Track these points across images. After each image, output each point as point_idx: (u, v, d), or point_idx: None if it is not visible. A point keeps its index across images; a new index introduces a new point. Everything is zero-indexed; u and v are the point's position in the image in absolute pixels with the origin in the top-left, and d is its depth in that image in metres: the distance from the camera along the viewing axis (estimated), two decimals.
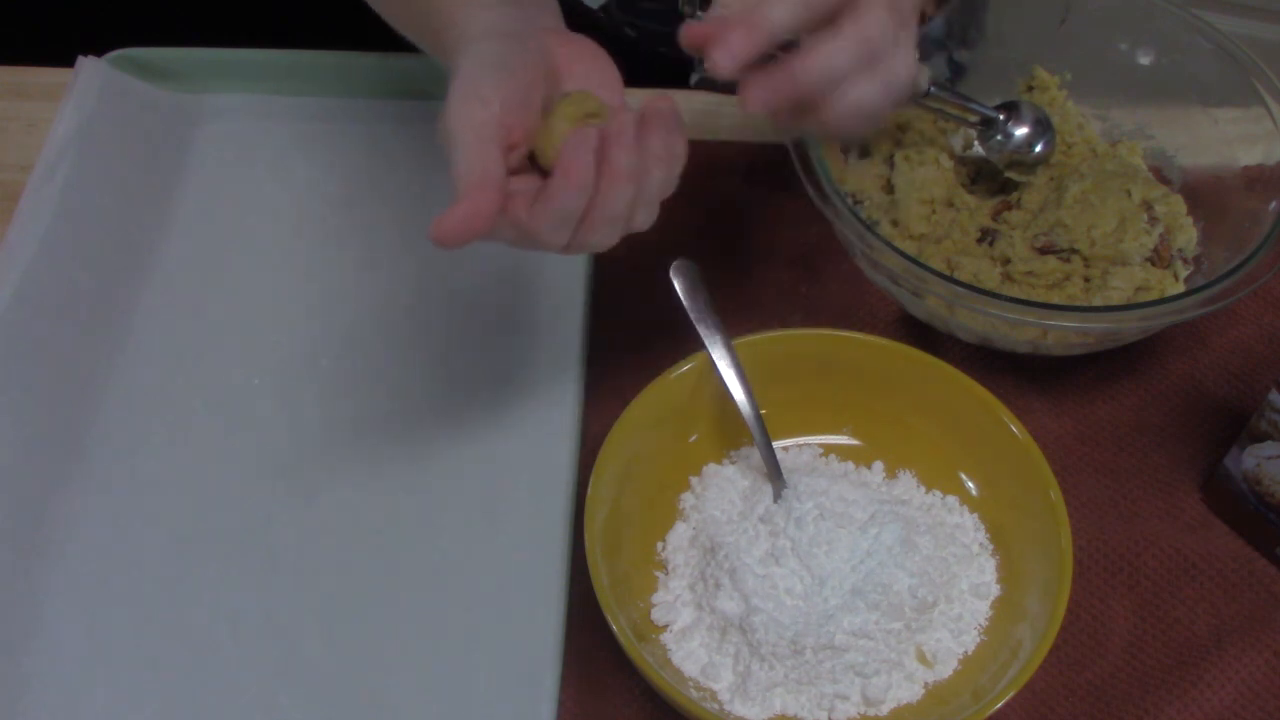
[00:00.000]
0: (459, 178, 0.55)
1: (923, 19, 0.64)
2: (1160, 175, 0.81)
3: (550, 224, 0.56)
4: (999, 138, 0.78)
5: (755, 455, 0.69)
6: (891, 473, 0.70)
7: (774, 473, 0.67)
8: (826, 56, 0.56)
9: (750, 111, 0.57)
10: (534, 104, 0.58)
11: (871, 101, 0.58)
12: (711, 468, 0.70)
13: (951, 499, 0.69)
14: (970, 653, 0.64)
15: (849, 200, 0.73)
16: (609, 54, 0.62)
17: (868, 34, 0.56)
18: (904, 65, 0.58)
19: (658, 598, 0.66)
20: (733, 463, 0.71)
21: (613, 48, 0.62)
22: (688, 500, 0.69)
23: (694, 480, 0.70)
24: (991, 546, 0.68)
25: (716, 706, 0.62)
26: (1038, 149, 0.78)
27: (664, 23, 0.89)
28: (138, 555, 0.68)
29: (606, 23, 0.91)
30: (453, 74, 0.57)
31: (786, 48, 0.56)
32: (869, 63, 0.57)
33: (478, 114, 0.55)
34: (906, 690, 0.63)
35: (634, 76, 0.79)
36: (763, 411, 0.68)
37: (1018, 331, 0.71)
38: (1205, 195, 0.79)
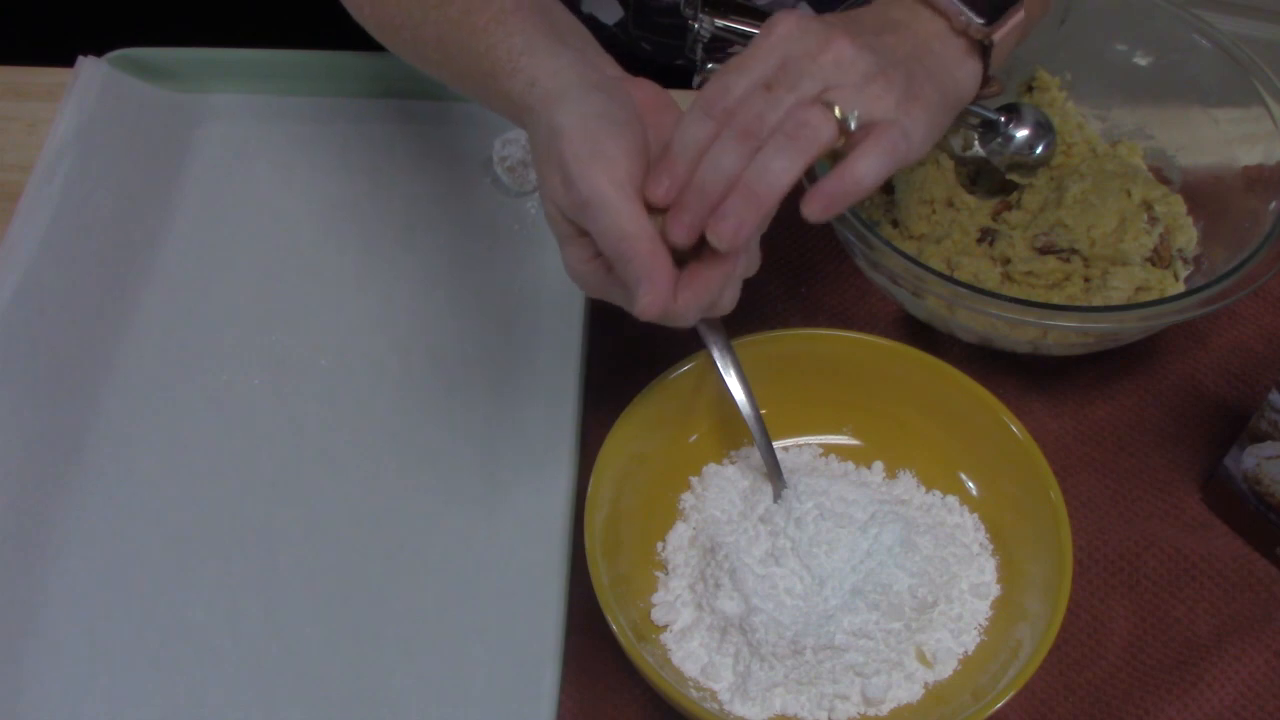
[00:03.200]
0: (621, 240, 0.53)
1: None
2: (1160, 175, 0.81)
3: (698, 305, 0.55)
4: (999, 140, 0.78)
5: (755, 455, 0.69)
6: (891, 473, 0.70)
7: (774, 473, 0.67)
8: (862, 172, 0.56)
9: (810, 219, 0.57)
10: (647, 158, 0.56)
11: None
12: (712, 468, 0.70)
13: (951, 499, 0.69)
14: (970, 653, 0.64)
15: None
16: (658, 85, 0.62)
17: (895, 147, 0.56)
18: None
19: (658, 598, 0.66)
20: (733, 463, 0.71)
21: (627, 62, 0.62)
22: (688, 500, 0.69)
23: (694, 480, 0.70)
24: (991, 546, 0.68)
25: (716, 706, 0.62)
26: (1038, 151, 0.78)
27: (679, 36, 0.89)
28: (137, 555, 0.68)
29: (622, 38, 0.91)
30: (543, 128, 0.56)
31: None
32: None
33: (613, 172, 0.54)
34: (906, 690, 0.63)
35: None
36: (763, 411, 0.68)
37: (1018, 331, 0.71)
38: (1205, 195, 0.79)
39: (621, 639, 0.59)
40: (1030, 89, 0.82)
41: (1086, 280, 0.75)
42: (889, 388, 0.70)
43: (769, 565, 0.64)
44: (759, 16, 0.72)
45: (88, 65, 0.83)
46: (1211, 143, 0.78)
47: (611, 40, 0.92)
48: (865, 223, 0.70)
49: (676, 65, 0.91)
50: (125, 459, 0.72)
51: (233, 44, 0.88)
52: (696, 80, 0.70)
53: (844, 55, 0.56)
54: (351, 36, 0.76)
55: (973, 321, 0.71)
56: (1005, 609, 0.65)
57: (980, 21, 0.61)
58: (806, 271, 0.81)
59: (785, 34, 0.56)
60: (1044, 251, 0.75)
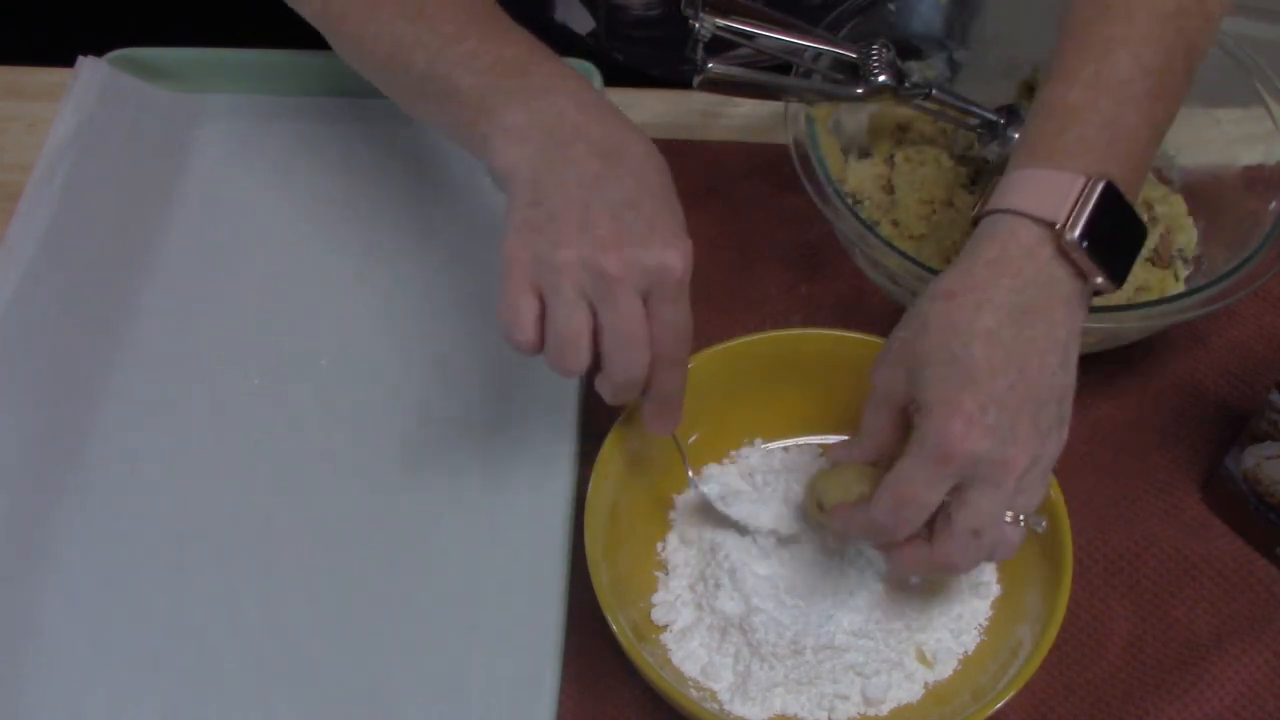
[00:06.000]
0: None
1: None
2: (1160, 175, 0.81)
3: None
4: (999, 141, 0.78)
5: (755, 455, 0.69)
6: None
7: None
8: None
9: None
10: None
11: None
12: (712, 468, 0.70)
13: None
14: (970, 653, 0.64)
15: (849, 200, 0.73)
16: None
17: (976, 524, 0.56)
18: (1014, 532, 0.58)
19: (658, 598, 0.66)
20: (733, 462, 0.71)
21: (601, 71, 0.62)
22: (689, 503, 0.69)
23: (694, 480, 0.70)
24: None
25: (716, 706, 0.62)
26: None
27: (653, 47, 0.89)
28: (137, 555, 0.68)
29: (595, 48, 0.91)
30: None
31: None
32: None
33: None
34: (906, 690, 0.63)
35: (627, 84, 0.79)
36: (762, 412, 0.68)
37: None
38: (1205, 195, 0.79)
39: (621, 639, 0.59)
40: (1030, 88, 0.82)
41: None
42: None
43: (770, 565, 0.64)
44: (759, 16, 0.72)
45: (88, 65, 0.83)
46: (1211, 143, 0.78)
47: (584, 50, 0.92)
48: (865, 223, 0.70)
49: (651, 75, 0.91)
50: (125, 459, 0.72)
51: (233, 44, 0.88)
52: (697, 80, 0.70)
53: (1019, 470, 0.55)
54: None
55: None
56: (1005, 609, 0.65)
57: (1113, 285, 0.58)
58: (806, 271, 0.81)
59: (964, 457, 0.54)
60: None
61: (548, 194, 0.58)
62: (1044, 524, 0.59)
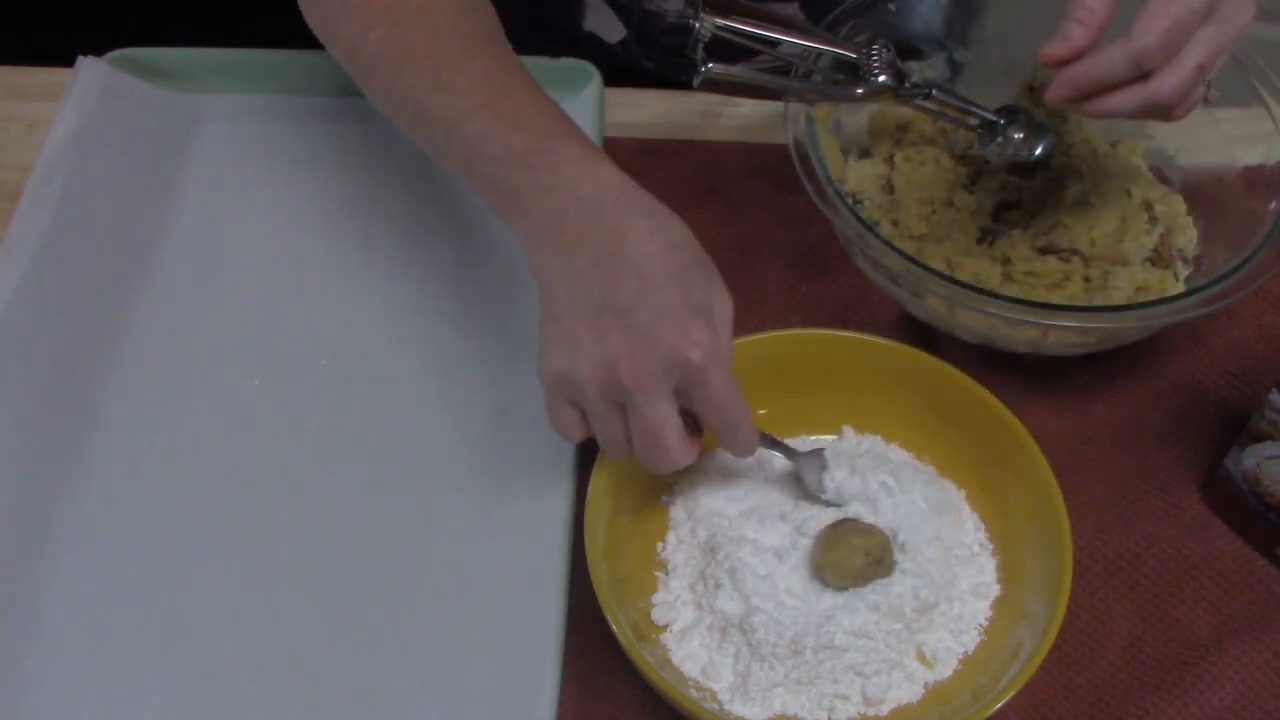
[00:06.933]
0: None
1: None
2: (1160, 175, 0.81)
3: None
4: (999, 141, 0.78)
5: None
6: None
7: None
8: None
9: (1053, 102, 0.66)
10: None
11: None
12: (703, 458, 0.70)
13: (952, 498, 0.69)
14: (970, 653, 0.64)
15: (849, 200, 0.73)
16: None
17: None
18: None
19: (658, 598, 0.66)
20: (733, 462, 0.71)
21: (629, 80, 0.62)
22: (687, 500, 0.69)
23: (694, 479, 0.70)
24: (991, 546, 0.68)
25: (716, 706, 0.62)
26: (1037, 152, 0.78)
27: (680, 54, 0.89)
28: (138, 555, 0.68)
29: (624, 57, 0.92)
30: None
31: None
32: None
33: None
34: (906, 690, 0.63)
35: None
36: (761, 411, 0.68)
37: (1018, 331, 0.71)
38: (1205, 195, 0.79)
39: (621, 639, 0.59)
40: (1030, 88, 0.82)
41: (1086, 280, 0.75)
42: (889, 388, 0.70)
43: (771, 564, 0.64)
44: (760, 16, 0.72)
45: (88, 65, 0.83)
46: (1211, 143, 0.78)
47: (613, 58, 0.92)
48: (865, 223, 0.70)
49: (680, 82, 0.91)
50: (125, 459, 0.72)
51: (233, 44, 0.88)
52: (696, 80, 0.70)
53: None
54: None
55: (973, 321, 0.71)
56: (1005, 609, 0.65)
57: None
58: (806, 271, 0.81)
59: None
60: (1044, 251, 0.76)
61: (562, 309, 0.60)
62: (1215, 92, 0.66)
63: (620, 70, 0.81)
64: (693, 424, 0.61)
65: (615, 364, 0.58)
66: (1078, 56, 0.64)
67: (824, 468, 0.67)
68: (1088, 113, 0.65)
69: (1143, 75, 0.63)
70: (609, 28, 0.92)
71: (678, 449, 0.60)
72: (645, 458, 0.61)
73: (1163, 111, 0.64)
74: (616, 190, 0.61)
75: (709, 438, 0.62)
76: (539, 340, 0.61)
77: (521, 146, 0.63)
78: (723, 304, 0.61)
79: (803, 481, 0.68)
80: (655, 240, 0.60)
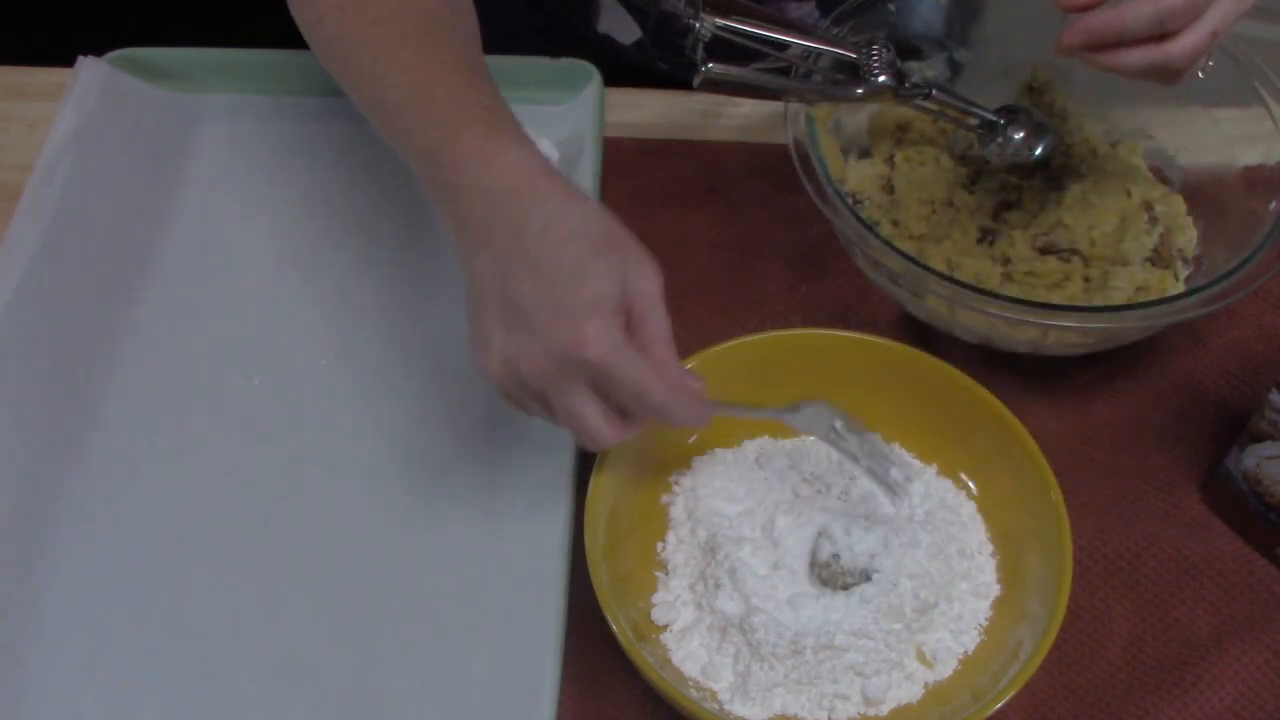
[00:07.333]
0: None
1: None
2: (1160, 175, 0.81)
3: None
4: (999, 140, 0.78)
5: (752, 452, 0.69)
6: None
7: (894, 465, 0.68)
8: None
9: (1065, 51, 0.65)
10: None
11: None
12: (704, 457, 0.70)
13: (952, 498, 0.69)
14: (970, 653, 0.64)
15: (849, 200, 0.73)
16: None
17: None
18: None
19: (658, 598, 0.66)
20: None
21: (643, 81, 0.62)
22: (687, 499, 0.69)
23: (694, 479, 0.70)
24: (991, 547, 0.68)
25: (716, 706, 0.62)
26: (1037, 152, 0.78)
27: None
28: (138, 555, 0.68)
29: (639, 59, 0.91)
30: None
31: None
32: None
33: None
34: (906, 690, 0.63)
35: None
36: None
37: (1018, 331, 0.71)
38: (1205, 195, 0.79)
39: (621, 639, 0.59)
40: (1030, 88, 0.82)
41: (1086, 280, 0.75)
42: (889, 388, 0.70)
43: (770, 565, 0.64)
44: (760, 16, 0.72)
45: (88, 65, 0.83)
46: (1211, 143, 0.78)
47: (626, 60, 0.92)
48: (865, 223, 0.70)
49: (685, 82, 0.91)
50: (125, 459, 0.72)
51: (233, 44, 0.88)
52: (696, 80, 0.70)
53: None
54: None
55: (973, 321, 0.71)
56: (1005, 609, 0.65)
57: None
58: (806, 271, 0.81)
59: None
60: (1044, 251, 0.75)
61: (476, 308, 0.60)
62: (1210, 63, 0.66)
63: (634, 72, 0.80)
64: None
65: (518, 364, 0.57)
66: (1097, 4, 0.64)
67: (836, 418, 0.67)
68: (1095, 63, 0.64)
69: (1160, 36, 0.63)
70: (623, 29, 0.91)
71: (603, 430, 0.58)
72: (578, 440, 0.61)
73: (1169, 75, 0.64)
74: (516, 179, 0.60)
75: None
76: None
77: (434, 142, 0.62)
78: (637, 284, 0.58)
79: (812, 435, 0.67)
80: (550, 233, 0.58)
